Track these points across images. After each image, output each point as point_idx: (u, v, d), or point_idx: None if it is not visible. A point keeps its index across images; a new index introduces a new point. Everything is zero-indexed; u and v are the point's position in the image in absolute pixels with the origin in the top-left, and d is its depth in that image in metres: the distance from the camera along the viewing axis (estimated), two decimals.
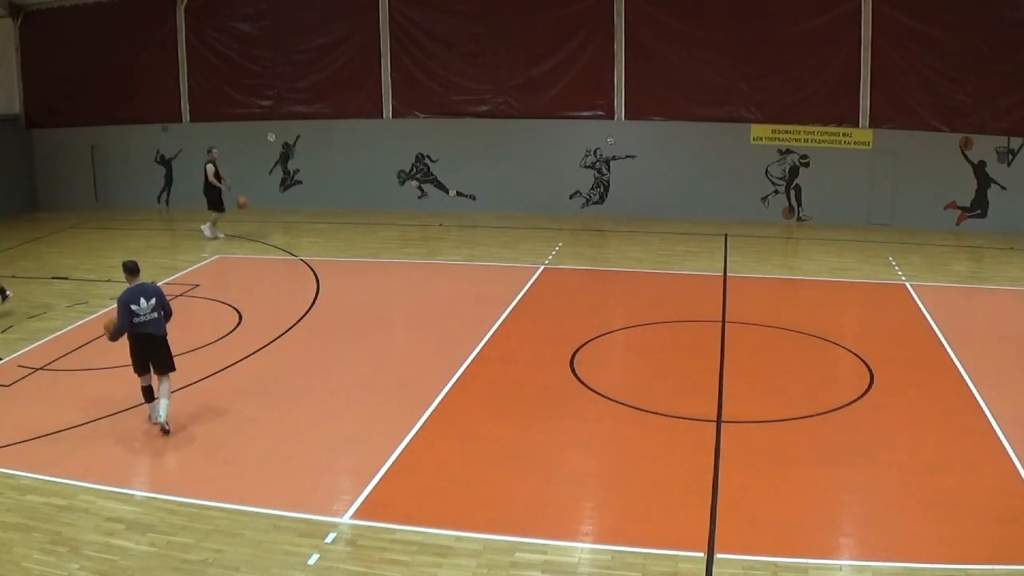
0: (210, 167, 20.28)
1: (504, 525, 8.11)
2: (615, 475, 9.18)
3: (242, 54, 23.46)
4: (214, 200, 20.35)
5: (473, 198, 23.05)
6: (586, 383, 11.47)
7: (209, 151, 20.64)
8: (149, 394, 10.42)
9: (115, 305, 10.40)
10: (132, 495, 8.81)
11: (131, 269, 10.47)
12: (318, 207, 20.43)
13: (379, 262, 18.21)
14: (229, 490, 8.80)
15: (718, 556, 7.60)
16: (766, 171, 21.35)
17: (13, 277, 16.55)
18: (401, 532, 8.02)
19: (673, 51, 21.26)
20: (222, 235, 20.41)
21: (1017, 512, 8.21)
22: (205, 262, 18.15)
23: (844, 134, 20.70)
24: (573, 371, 11.90)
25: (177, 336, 13.40)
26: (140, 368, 10.37)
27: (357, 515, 8.34)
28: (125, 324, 10.16)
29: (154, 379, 10.38)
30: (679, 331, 13.74)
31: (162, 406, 10.24)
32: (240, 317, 14.38)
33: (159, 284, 16.30)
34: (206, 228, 20.33)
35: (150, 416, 10.40)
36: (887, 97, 20.29)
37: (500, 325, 13.84)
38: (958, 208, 20.42)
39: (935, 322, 13.76)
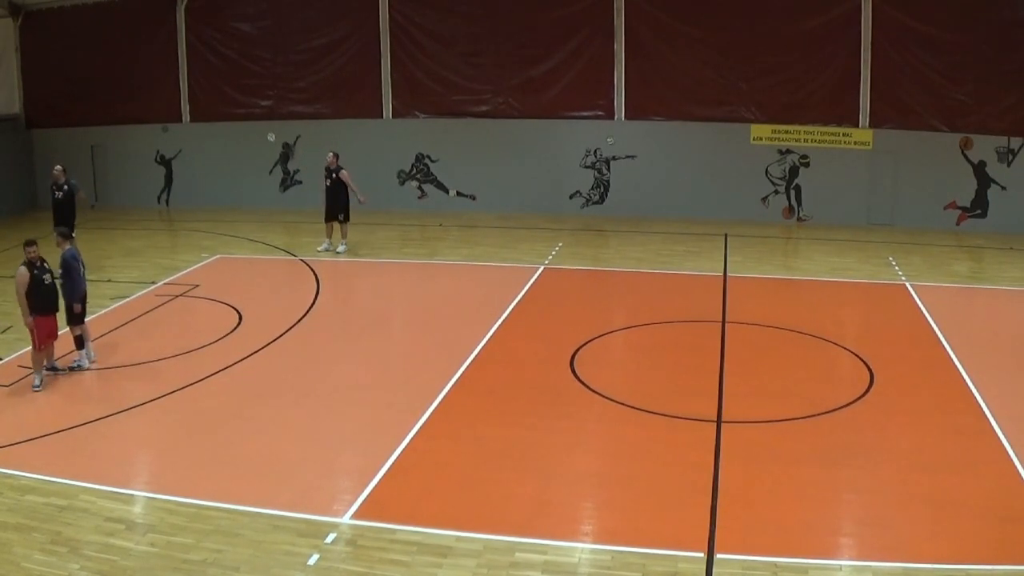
0: (344, 172, 18.59)
1: (504, 525, 8.11)
2: (615, 475, 9.18)
3: (242, 54, 23.47)
4: (345, 204, 18.70)
5: (473, 198, 23.05)
6: (586, 383, 11.47)
7: (337, 155, 18.67)
8: (81, 342, 12.11)
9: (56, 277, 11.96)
10: (132, 495, 8.81)
11: (66, 234, 12.43)
12: (318, 207, 20.40)
13: (379, 262, 18.21)
14: (229, 490, 8.80)
15: (718, 556, 7.59)
16: (766, 171, 21.35)
17: (13, 277, 16.49)
18: (401, 532, 8.02)
19: (673, 51, 21.25)
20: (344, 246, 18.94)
21: (1017, 512, 8.21)
22: (205, 262, 18.15)
23: (844, 134, 20.69)
24: (573, 371, 11.90)
25: (177, 336, 13.47)
26: (81, 320, 12.08)
27: (357, 515, 8.34)
28: (81, 278, 12.03)
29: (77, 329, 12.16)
30: (679, 331, 13.74)
31: (92, 348, 12.31)
32: (240, 317, 14.38)
33: (159, 284, 16.44)
34: (341, 245, 18.81)
35: (79, 362, 12.07)
36: (887, 97, 20.28)
37: (500, 325, 13.83)
38: (958, 208, 20.42)
39: (935, 322, 13.76)
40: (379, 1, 22.49)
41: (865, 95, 20.42)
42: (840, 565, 7.49)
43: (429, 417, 10.46)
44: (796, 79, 20.76)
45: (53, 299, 11.57)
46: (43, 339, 11.46)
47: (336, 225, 18.89)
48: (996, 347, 12.71)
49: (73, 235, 16.94)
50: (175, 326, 14.15)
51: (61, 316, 12.00)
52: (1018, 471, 8.94)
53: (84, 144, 24.48)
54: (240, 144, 23.80)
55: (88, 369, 12.12)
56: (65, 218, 17.29)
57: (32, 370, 11.51)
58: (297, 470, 9.25)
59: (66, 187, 17.64)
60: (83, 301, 12.25)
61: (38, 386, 11.40)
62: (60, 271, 12.08)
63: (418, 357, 12.68)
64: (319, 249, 18.90)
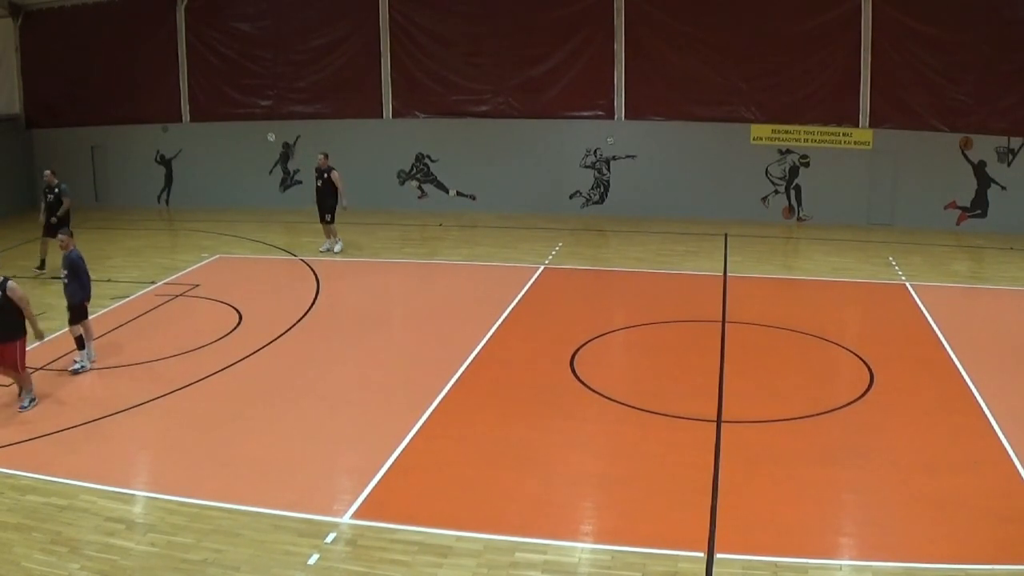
0: (335, 173, 18.46)
1: (504, 525, 8.11)
2: (615, 475, 9.18)
3: (242, 54, 23.47)
4: (332, 206, 18.56)
5: (473, 198, 23.05)
6: (586, 383, 11.47)
7: (327, 156, 18.71)
8: (82, 342, 12.04)
9: (67, 272, 12.10)
10: (132, 495, 8.81)
11: (69, 234, 12.34)
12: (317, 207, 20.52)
13: (379, 262, 18.21)
14: (229, 490, 8.80)
15: (718, 556, 7.60)
16: (766, 171, 21.35)
17: (13, 277, 16.45)
18: (401, 532, 8.03)
19: (673, 51, 21.25)
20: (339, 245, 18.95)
21: (1017, 512, 8.21)
22: (205, 262, 18.15)
23: (844, 134, 20.70)
24: (573, 371, 11.90)
25: (177, 336, 13.47)
26: (83, 318, 12.09)
27: (357, 515, 8.35)
28: (87, 278, 12.10)
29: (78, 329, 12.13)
30: (679, 331, 13.74)
31: (92, 348, 12.31)
32: (240, 317, 14.38)
33: (159, 284, 16.44)
34: (337, 244, 18.79)
35: (81, 363, 12.00)
36: (887, 97, 20.28)
37: (500, 325, 13.84)
38: (958, 208, 20.42)
39: (935, 322, 13.76)
40: (379, 1, 22.49)
41: (865, 95, 20.41)
42: (840, 565, 7.49)
43: (429, 417, 10.46)
44: (796, 79, 20.75)
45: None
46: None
47: (326, 227, 18.94)
48: (996, 347, 12.71)
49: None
50: (175, 326, 14.15)
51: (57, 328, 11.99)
52: (1018, 471, 8.95)
53: (84, 144, 24.50)
54: (240, 144, 23.79)
55: (88, 369, 12.12)
56: (61, 220, 17.22)
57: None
58: (297, 470, 9.25)
59: (57, 190, 17.52)
60: (87, 300, 12.27)
61: (33, 399, 11.10)
62: (65, 271, 12.11)
63: (418, 357, 12.68)
64: (321, 249, 18.90)
